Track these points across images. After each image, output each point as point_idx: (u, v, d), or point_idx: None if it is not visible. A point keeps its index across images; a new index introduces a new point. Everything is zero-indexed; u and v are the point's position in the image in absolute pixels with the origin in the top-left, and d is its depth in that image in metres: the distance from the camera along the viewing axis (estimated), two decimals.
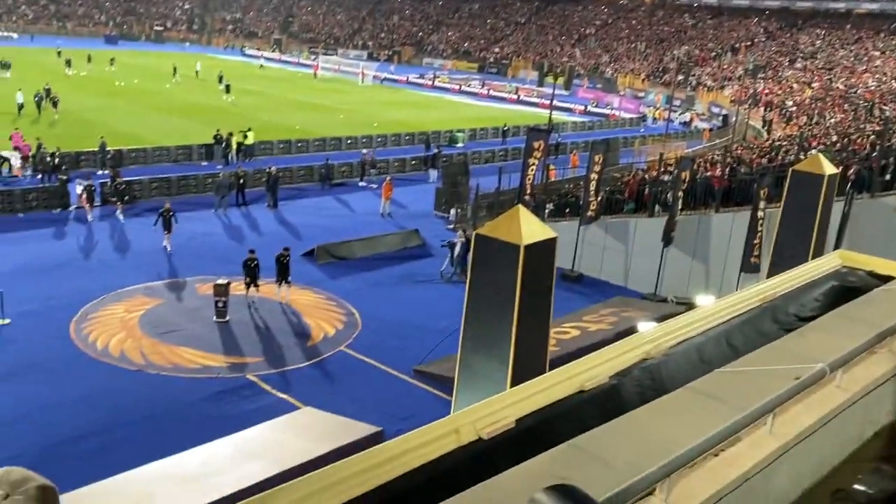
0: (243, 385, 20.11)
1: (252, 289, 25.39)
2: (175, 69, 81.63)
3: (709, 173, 33.07)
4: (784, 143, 46.02)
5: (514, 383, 10.22)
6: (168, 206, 30.71)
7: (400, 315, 25.47)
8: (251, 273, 25.25)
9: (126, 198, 35.41)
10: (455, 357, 12.32)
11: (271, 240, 30.95)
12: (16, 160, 39.32)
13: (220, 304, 23.86)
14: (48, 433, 17.21)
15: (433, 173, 47.22)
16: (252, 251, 25.75)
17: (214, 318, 23.88)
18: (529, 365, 11.40)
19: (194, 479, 14.24)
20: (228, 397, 19.38)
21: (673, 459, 3.55)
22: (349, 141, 53.55)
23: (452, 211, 38.25)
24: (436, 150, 50.16)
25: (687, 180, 30.15)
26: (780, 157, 37.40)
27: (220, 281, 24.07)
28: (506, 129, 61.77)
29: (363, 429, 17.06)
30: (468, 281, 12.03)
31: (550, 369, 5.42)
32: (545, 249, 11.67)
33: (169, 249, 30.16)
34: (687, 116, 79.55)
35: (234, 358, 21.60)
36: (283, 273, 25.81)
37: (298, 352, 22.37)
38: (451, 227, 36.56)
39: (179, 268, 28.66)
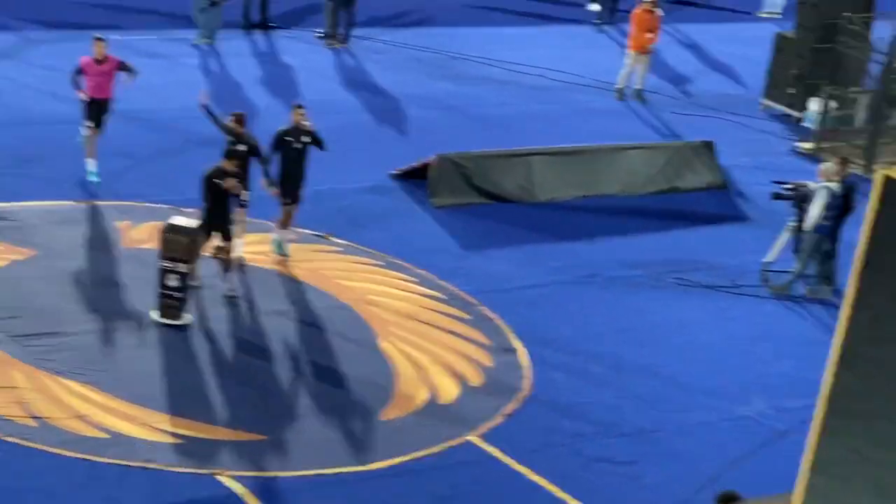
0: (207, 499, 8.85)
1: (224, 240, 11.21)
2: None
3: None
4: None
5: None
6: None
7: (646, 372, 10.98)
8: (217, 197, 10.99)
9: None
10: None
11: (326, 118, 13.65)
12: None
13: (171, 280, 10.70)
14: None
15: None
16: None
17: (154, 312, 10.84)
18: None
19: None
20: None
21: None
22: None
23: (814, 106, 17.45)
24: None
25: None
26: None
27: (176, 220, 11.02)
28: None
29: None
30: (850, 299, 4.78)
31: None
32: None
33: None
34: None
35: (193, 426, 9.65)
36: None
37: (356, 432, 9.85)
38: (808, 148, 17.05)
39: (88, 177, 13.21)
